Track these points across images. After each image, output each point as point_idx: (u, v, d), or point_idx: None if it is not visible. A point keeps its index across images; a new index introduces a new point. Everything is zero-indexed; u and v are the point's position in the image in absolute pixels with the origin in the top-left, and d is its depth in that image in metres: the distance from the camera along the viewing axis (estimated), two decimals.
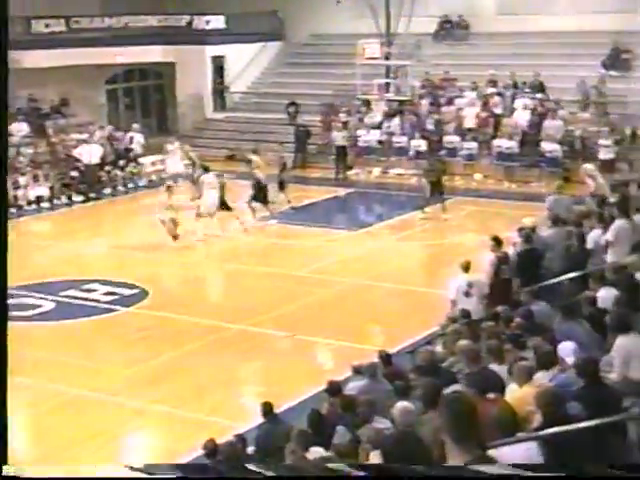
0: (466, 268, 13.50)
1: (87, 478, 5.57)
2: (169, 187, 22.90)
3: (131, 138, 30.36)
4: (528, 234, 14.17)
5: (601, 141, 26.07)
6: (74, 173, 27.82)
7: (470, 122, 28.85)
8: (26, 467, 5.22)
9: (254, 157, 24.01)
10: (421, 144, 28.43)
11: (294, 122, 32.16)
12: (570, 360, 8.21)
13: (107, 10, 34.62)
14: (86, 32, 33.15)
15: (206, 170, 22.71)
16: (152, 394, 13.66)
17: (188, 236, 22.19)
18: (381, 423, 8.55)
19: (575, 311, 9.91)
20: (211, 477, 6.11)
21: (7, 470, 5.04)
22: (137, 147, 30.16)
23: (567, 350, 8.56)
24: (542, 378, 8.01)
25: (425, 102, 30.17)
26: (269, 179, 23.69)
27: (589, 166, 20.58)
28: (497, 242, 13.96)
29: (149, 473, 5.39)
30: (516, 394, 7.69)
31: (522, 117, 28.01)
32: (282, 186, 24.51)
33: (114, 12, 34.30)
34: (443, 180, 23.76)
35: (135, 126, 31.30)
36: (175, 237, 21.31)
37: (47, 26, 32.63)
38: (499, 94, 29.26)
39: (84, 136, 29.10)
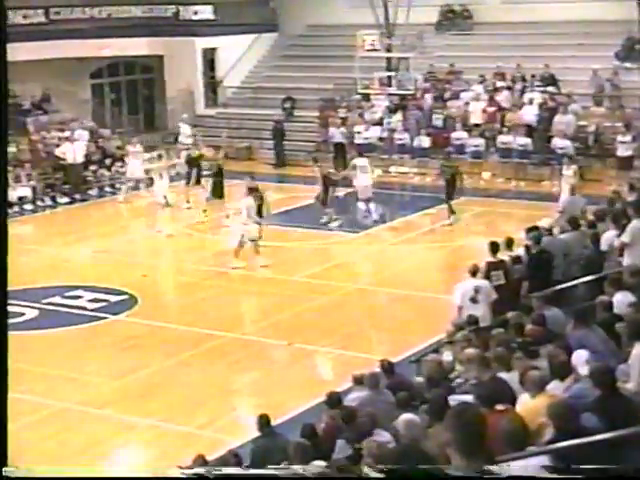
0: (473, 272, 13.53)
1: (87, 478, 5.62)
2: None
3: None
4: (538, 236, 14.20)
5: (619, 137, 26.09)
6: (58, 173, 27.81)
7: (477, 117, 28.89)
8: (26, 468, 5.26)
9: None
10: (425, 141, 28.45)
11: (289, 118, 32.27)
12: (584, 369, 8.22)
13: (89, 0, 34.60)
14: (67, 23, 33.08)
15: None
16: (141, 407, 13.67)
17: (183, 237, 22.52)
18: (383, 437, 8.56)
19: (589, 317, 9.92)
20: None
21: (7, 471, 5.07)
22: (183, 139, 30.31)
23: (581, 359, 8.56)
24: (556, 388, 8.02)
25: (429, 96, 30.19)
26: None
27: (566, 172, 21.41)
28: (493, 248, 13.99)
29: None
30: (527, 405, 7.70)
31: (530, 112, 28.03)
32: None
33: (96, 2, 34.26)
34: (457, 180, 23.55)
35: (184, 117, 31.59)
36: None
37: (25, 17, 32.57)
38: (507, 88, 29.29)
39: (66, 134, 29.09)
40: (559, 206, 17.51)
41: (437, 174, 24.31)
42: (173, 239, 23.16)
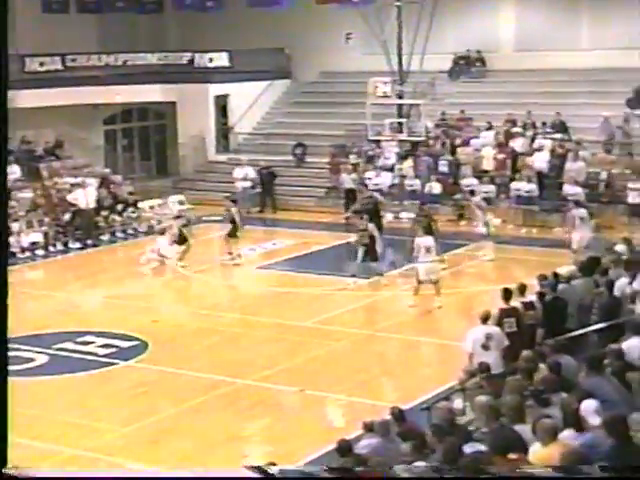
0: (484, 319, 13.51)
1: (87, 478, 5.59)
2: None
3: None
4: (554, 283, 14.18)
5: (630, 184, 26.14)
6: (69, 218, 27.92)
7: (487, 164, 28.98)
8: (26, 468, 5.26)
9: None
10: (435, 187, 28.51)
11: (299, 164, 32.56)
12: (594, 419, 8.17)
13: (105, 47, 35.03)
14: (83, 70, 33.50)
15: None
16: (151, 454, 13.60)
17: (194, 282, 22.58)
18: None
19: (601, 365, 9.87)
20: None
21: (7, 471, 5.06)
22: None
23: (589, 408, 8.51)
24: (568, 437, 7.97)
25: (440, 143, 30.32)
26: None
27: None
28: (506, 295, 13.95)
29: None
30: (540, 454, 7.65)
31: (540, 158, 28.12)
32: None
33: (112, 50, 34.69)
34: (434, 227, 23.53)
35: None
36: None
37: (42, 64, 33.01)
38: (518, 134, 29.40)
39: (78, 180, 29.24)
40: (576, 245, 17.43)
41: (412, 224, 23.99)
42: (184, 284, 23.26)
